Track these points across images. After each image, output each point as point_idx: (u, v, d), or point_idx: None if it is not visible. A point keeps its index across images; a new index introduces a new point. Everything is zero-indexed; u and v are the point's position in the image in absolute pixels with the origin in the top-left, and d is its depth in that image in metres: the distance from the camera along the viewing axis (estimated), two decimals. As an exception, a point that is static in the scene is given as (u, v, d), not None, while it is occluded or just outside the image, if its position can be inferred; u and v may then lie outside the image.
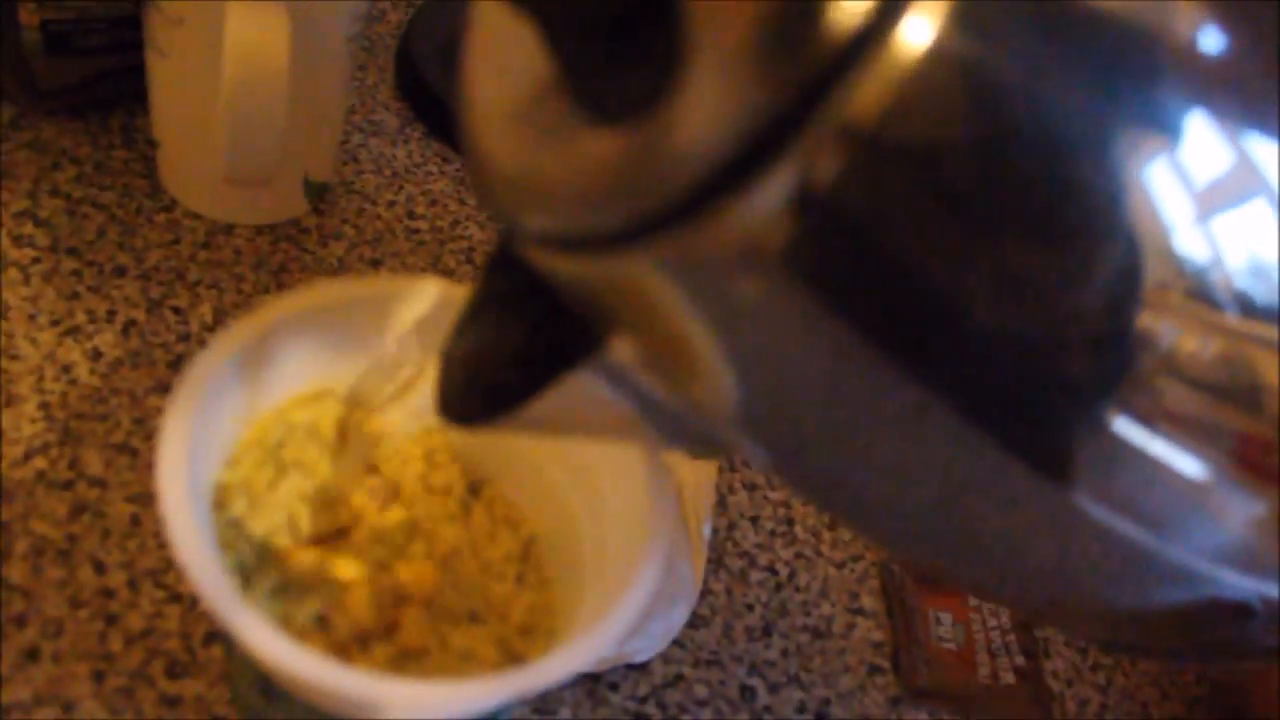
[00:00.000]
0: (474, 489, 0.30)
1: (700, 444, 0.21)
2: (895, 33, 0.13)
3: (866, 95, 0.13)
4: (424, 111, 0.51)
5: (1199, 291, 0.13)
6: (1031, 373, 0.14)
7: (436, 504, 0.29)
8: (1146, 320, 0.13)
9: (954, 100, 0.13)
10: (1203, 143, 0.13)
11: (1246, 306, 0.13)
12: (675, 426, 0.20)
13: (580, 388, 0.19)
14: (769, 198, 0.14)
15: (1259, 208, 0.13)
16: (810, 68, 0.13)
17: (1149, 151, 0.13)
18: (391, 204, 0.48)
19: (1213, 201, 0.13)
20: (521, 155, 0.18)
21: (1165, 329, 0.13)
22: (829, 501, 0.19)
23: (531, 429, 0.21)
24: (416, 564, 0.28)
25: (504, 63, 0.19)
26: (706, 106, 0.14)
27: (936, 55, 0.13)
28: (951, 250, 0.13)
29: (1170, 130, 0.13)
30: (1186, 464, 0.14)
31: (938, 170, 0.13)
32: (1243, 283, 0.13)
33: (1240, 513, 0.15)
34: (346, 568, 0.27)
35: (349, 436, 0.29)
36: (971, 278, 0.13)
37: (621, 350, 0.18)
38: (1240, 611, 0.17)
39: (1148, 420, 0.14)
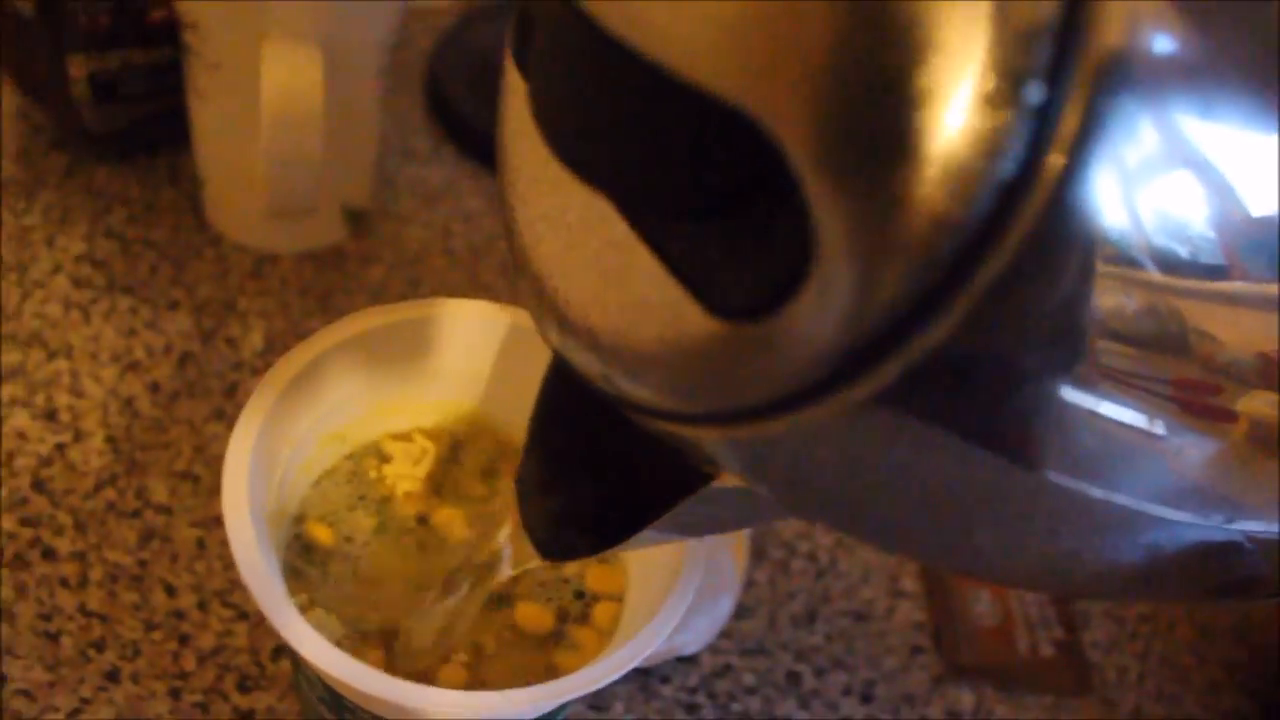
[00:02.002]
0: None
1: (754, 522, 0.22)
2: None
3: (999, 263, 0.13)
4: (455, 133, 0.53)
5: (1120, 256, 0.14)
6: (1018, 387, 0.15)
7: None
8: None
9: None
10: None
11: (1167, 264, 0.14)
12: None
13: (677, 513, 0.19)
14: (892, 371, 0.14)
15: (1182, 176, 0.14)
16: (950, 252, 0.13)
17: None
18: (428, 224, 0.49)
19: (1152, 182, 0.14)
20: (620, 330, 0.17)
21: (1093, 294, 0.14)
22: (849, 530, 0.20)
23: (626, 549, 0.21)
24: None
25: (568, 217, 0.18)
26: (842, 304, 0.14)
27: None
28: (1024, 336, 0.14)
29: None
30: (1137, 418, 0.15)
31: (1029, 292, 0.14)
32: (1161, 243, 0.14)
33: (1197, 457, 0.16)
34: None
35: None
36: (1023, 349, 0.14)
37: (726, 482, 0.18)
38: (1231, 549, 0.18)
39: (1093, 384, 0.15)
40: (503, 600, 0.29)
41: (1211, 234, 0.14)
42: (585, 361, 0.18)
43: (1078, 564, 0.18)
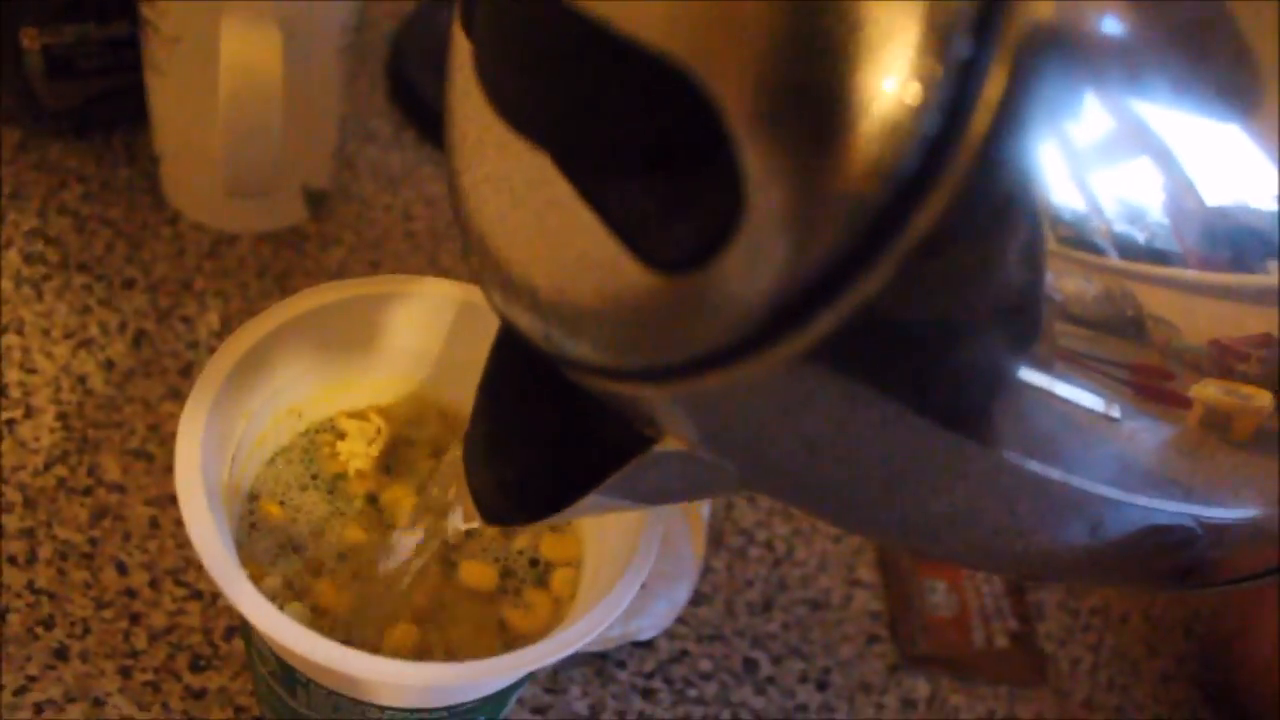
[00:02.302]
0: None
1: (702, 494, 0.22)
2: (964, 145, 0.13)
3: (928, 218, 0.13)
4: (416, 116, 0.53)
5: (1077, 240, 0.14)
6: (959, 355, 0.15)
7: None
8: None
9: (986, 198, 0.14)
10: (1091, 110, 0.14)
11: (1125, 249, 0.14)
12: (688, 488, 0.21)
13: (621, 479, 0.19)
14: (826, 324, 0.14)
15: (1141, 164, 0.14)
16: (874, 210, 0.13)
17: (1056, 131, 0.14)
18: (388, 208, 0.49)
19: (1093, 159, 0.14)
20: (561, 287, 0.17)
21: (1050, 277, 0.14)
22: (805, 505, 0.20)
23: (569, 518, 0.21)
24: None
25: (512, 179, 0.18)
26: (772, 258, 0.14)
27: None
28: (948, 304, 0.14)
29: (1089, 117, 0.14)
30: (1093, 400, 0.15)
31: (956, 255, 0.14)
32: (1121, 229, 0.14)
33: (1151, 441, 0.16)
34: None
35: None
36: (958, 311, 0.14)
37: (669, 445, 0.19)
38: (1183, 535, 0.18)
39: (1050, 365, 0.15)
40: (450, 566, 0.29)
41: (1161, 218, 0.15)
42: (528, 322, 0.18)
43: (1029, 543, 0.19)
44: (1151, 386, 0.16)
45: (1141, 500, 0.17)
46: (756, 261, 0.14)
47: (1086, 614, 0.45)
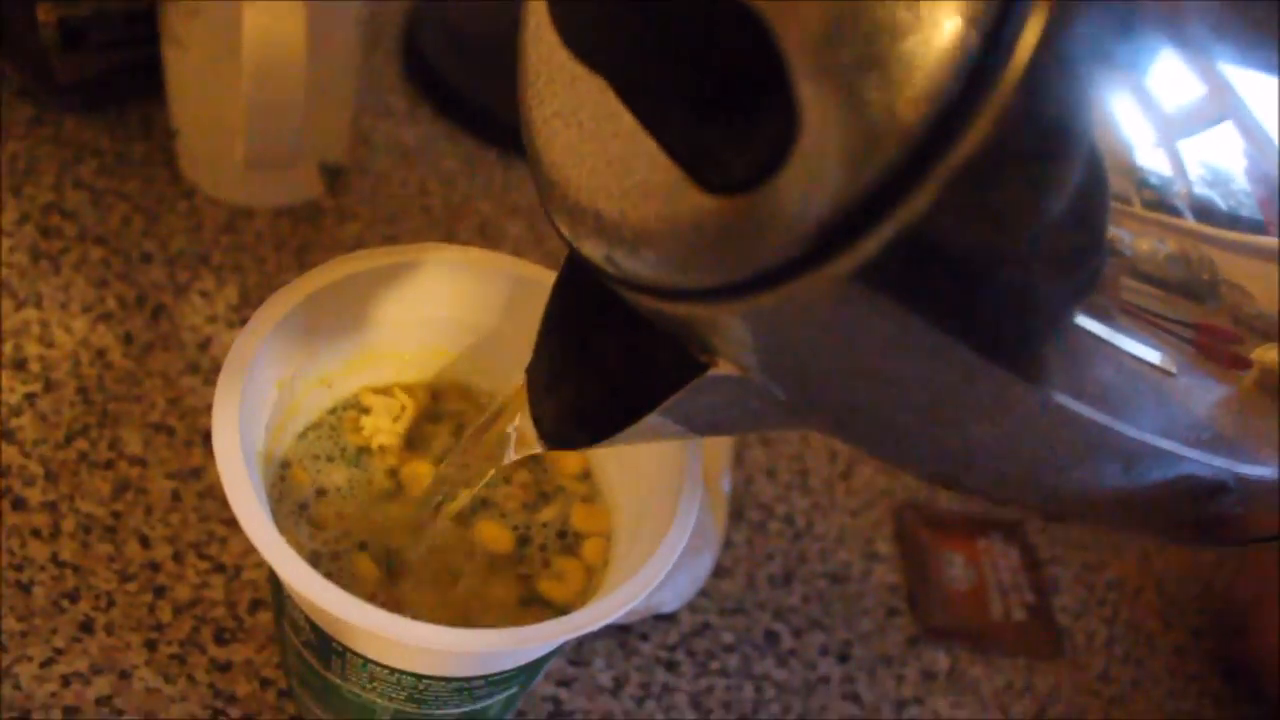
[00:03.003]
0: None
1: (756, 425, 0.23)
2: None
3: (971, 139, 0.14)
4: (431, 92, 0.52)
5: (1159, 202, 0.15)
6: (1010, 290, 0.16)
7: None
8: (1110, 231, 0.15)
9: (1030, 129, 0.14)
10: (1171, 69, 0.15)
11: (1205, 213, 0.15)
12: (741, 418, 0.22)
13: (677, 403, 0.20)
14: (873, 245, 0.15)
15: (1224, 128, 0.15)
16: (920, 134, 0.14)
17: (1116, 78, 0.14)
18: (404, 183, 0.49)
19: (1177, 123, 0.15)
20: (623, 210, 0.18)
21: (1125, 235, 0.15)
22: (847, 432, 0.21)
23: (627, 442, 0.22)
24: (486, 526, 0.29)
25: (580, 114, 0.19)
26: (823, 180, 0.15)
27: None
28: (994, 229, 0.15)
29: (1137, 57, 0.14)
30: (1151, 354, 0.16)
31: (1001, 180, 0.15)
32: (1202, 192, 0.15)
33: (1205, 397, 0.17)
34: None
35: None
36: (1001, 239, 0.15)
37: (723, 369, 0.19)
38: (1215, 488, 0.19)
39: (1112, 317, 0.16)
40: (467, 530, 0.29)
41: (1242, 182, 0.15)
42: (591, 246, 0.19)
43: (1062, 479, 0.19)
44: (1213, 346, 0.16)
45: (1182, 450, 0.18)
46: (807, 184, 0.15)
47: (1102, 588, 0.45)
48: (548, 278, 0.30)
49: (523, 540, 0.30)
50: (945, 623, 0.42)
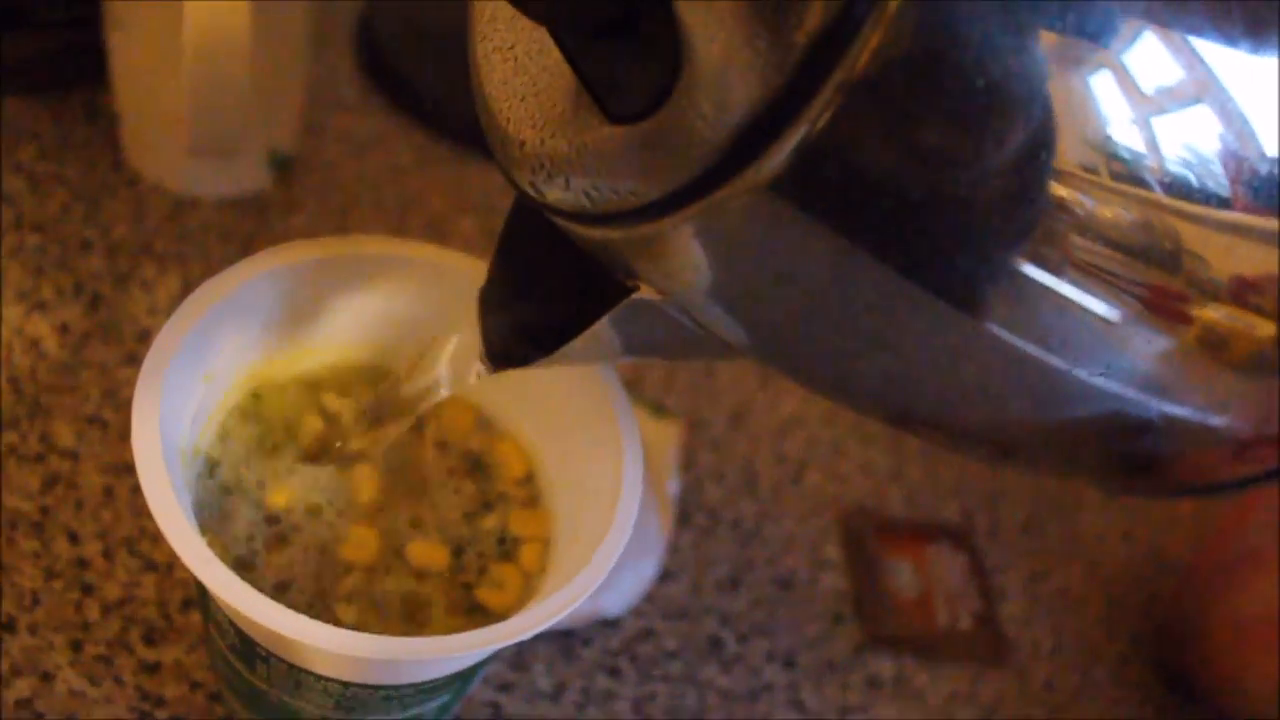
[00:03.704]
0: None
1: (687, 351, 0.25)
2: None
3: (862, 51, 0.14)
4: (386, 84, 0.52)
5: (1127, 175, 0.15)
6: (947, 225, 0.16)
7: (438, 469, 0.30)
8: (1063, 191, 0.16)
9: (918, 32, 0.15)
10: (1149, 47, 0.15)
11: (1177, 189, 0.16)
12: (673, 341, 0.23)
13: (607, 325, 0.21)
14: (778, 156, 0.15)
15: (1201, 109, 0.15)
16: (806, 44, 0.15)
17: (1082, 58, 0.15)
18: (355, 176, 0.48)
19: (1154, 101, 0.15)
20: (543, 139, 0.19)
21: (1086, 200, 0.16)
22: (790, 364, 0.22)
23: (559, 363, 0.24)
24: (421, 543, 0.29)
25: (515, 49, 0.21)
26: (716, 96, 0.16)
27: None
28: (898, 145, 0.15)
29: (1103, 39, 0.15)
30: (1095, 304, 0.17)
31: (897, 93, 0.15)
32: (1177, 170, 0.16)
33: (1145, 347, 0.18)
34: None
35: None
36: (904, 160, 0.16)
37: (646, 294, 0.20)
38: (1142, 425, 0.19)
39: (1058, 268, 0.16)
40: (398, 557, 0.29)
41: (1215, 161, 0.16)
42: (518, 173, 0.20)
43: (1001, 414, 0.20)
44: (1160, 303, 0.17)
45: (1116, 388, 0.18)
46: (696, 108, 0.16)
47: (1048, 596, 0.45)
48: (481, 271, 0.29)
49: (458, 550, 0.29)
50: (892, 630, 0.42)
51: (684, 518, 0.42)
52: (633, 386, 0.45)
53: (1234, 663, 0.42)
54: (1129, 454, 0.21)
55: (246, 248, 0.44)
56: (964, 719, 0.41)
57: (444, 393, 0.27)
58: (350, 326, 0.30)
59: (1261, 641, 0.41)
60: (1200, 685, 0.43)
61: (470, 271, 0.29)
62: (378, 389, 0.30)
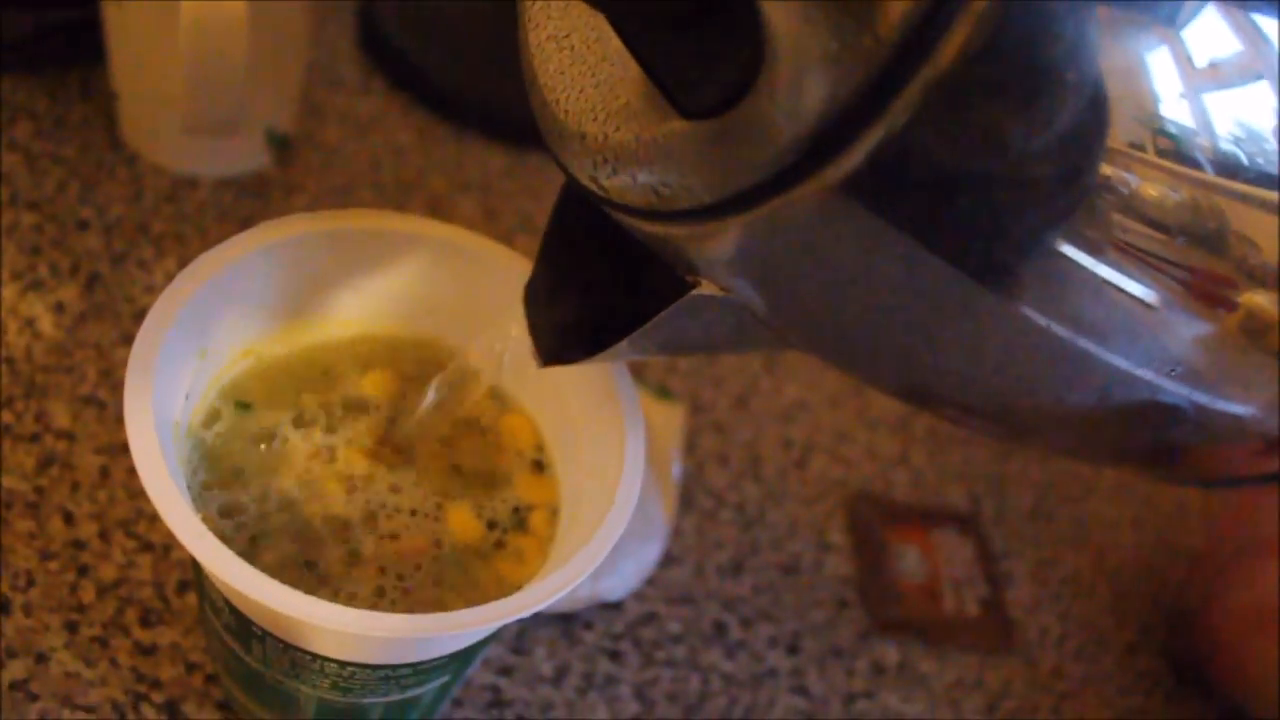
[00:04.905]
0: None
1: (731, 346, 0.24)
2: None
3: (948, 49, 0.14)
4: (387, 64, 0.51)
5: (1174, 152, 0.15)
6: (988, 207, 0.16)
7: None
8: (1109, 170, 0.15)
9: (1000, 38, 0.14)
10: (1202, 22, 0.15)
11: (1228, 167, 0.15)
12: (720, 335, 0.22)
13: (665, 320, 0.21)
14: (856, 156, 0.15)
15: (1259, 86, 0.15)
16: (893, 40, 0.14)
17: (1143, 32, 0.15)
18: (354, 156, 0.47)
19: (1205, 76, 0.15)
20: (607, 133, 0.19)
21: (1130, 178, 0.15)
22: (836, 350, 0.21)
23: (608, 360, 0.23)
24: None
25: (572, 37, 0.20)
26: (797, 92, 0.15)
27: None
28: (977, 145, 0.15)
29: (1171, 18, 0.15)
30: (1136, 288, 0.16)
31: (982, 92, 0.15)
32: (1228, 147, 0.15)
33: (1185, 332, 0.17)
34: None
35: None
36: (985, 159, 0.15)
37: (707, 290, 0.20)
38: (1174, 413, 0.19)
39: (1098, 249, 0.16)
40: (438, 524, 0.28)
41: (1271, 140, 0.15)
42: (578, 166, 0.20)
43: (1033, 398, 0.20)
44: (1204, 288, 0.17)
45: (1150, 375, 0.18)
46: (776, 103, 0.15)
47: (1056, 583, 0.45)
48: (487, 249, 0.29)
49: (491, 525, 0.28)
50: (897, 616, 0.41)
51: (687, 501, 0.42)
52: (636, 370, 0.44)
53: (1243, 651, 0.41)
54: (1155, 442, 0.21)
55: (245, 227, 0.43)
56: (969, 706, 0.40)
57: (490, 382, 0.27)
58: (350, 303, 0.30)
59: (1271, 630, 0.40)
60: (1209, 673, 0.43)
61: (470, 247, 0.29)
62: (437, 379, 0.29)
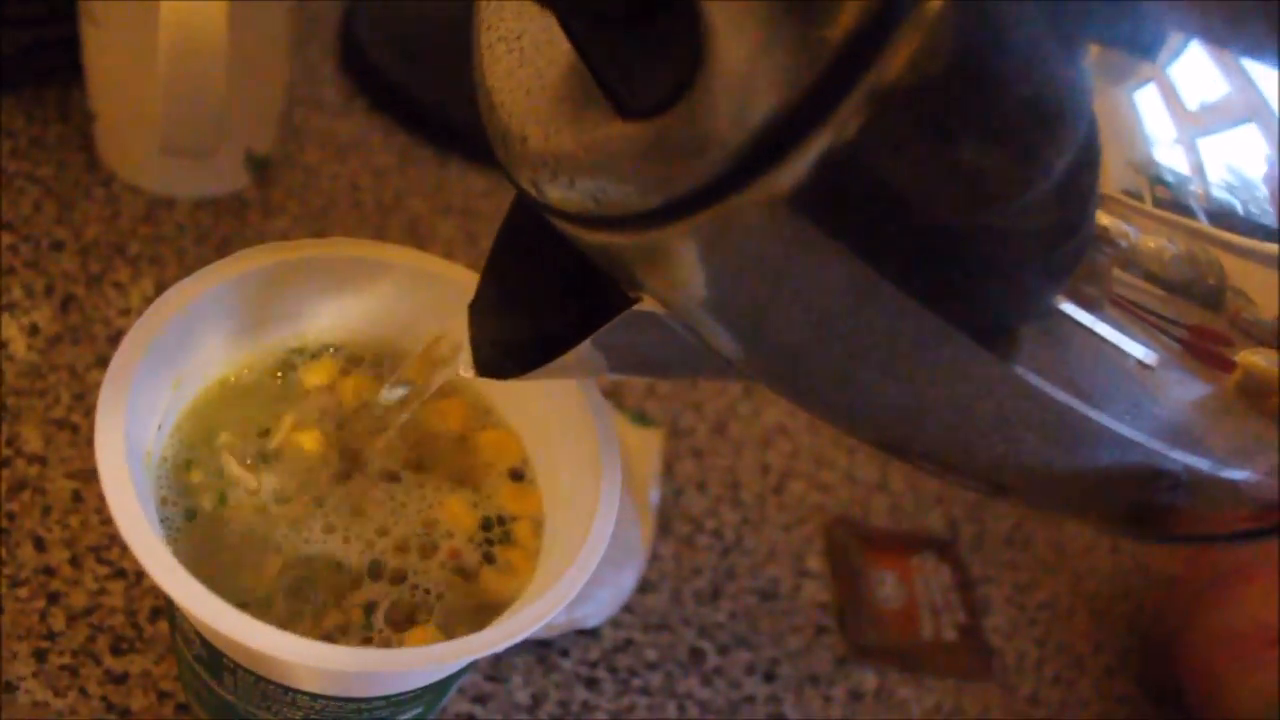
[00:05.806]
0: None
1: (680, 368, 0.24)
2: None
3: (898, 56, 0.13)
4: (368, 86, 0.51)
5: (1172, 201, 0.14)
6: (981, 257, 0.15)
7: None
8: (1107, 221, 0.14)
9: (958, 43, 0.14)
10: (1194, 66, 0.14)
11: (1222, 218, 0.15)
12: (671, 356, 0.22)
13: (604, 337, 0.20)
14: (799, 165, 0.14)
15: (1249, 130, 0.14)
16: (838, 43, 0.13)
17: (1128, 73, 0.14)
18: (334, 177, 0.47)
19: (1198, 121, 0.14)
20: (548, 135, 0.18)
21: (1129, 230, 0.15)
22: (795, 388, 0.20)
23: (549, 377, 0.22)
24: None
25: (522, 40, 0.20)
26: (737, 94, 0.14)
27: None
28: (932, 163, 0.14)
29: (1152, 52, 0.14)
30: (1133, 347, 0.16)
31: (934, 104, 0.14)
32: (1222, 196, 0.15)
33: (1182, 394, 0.17)
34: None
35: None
36: (939, 180, 0.14)
37: (647, 305, 0.19)
38: (1166, 477, 0.18)
39: (1096, 306, 0.15)
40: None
41: (1262, 187, 0.15)
42: (519, 170, 0.19)
43: (1014, 453, 0.19)
44: (1202, 347, 0.16)
45: (1144, 439, 0.17)
46: (715, 105, 0.15)
47: (1034, 608, 0.45)
48: (464, 278, 0.29)
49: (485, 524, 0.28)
50: (875, 642, 0.41)
51: (665, 527, 0.42)
52: (614, 394, 0.44)
53: (1220, 677, 0.41)
54: (1139, 503, 0.20)
55: (223, 249, 0.43)
56: (947, 733, 0.40)
57: (446, 376, 0.27)
58: (325, 331, 0.30)
59: (1248, 655, 0.40)
60: (1186, 698, 0.43)
61: (447, 276, 0.29)
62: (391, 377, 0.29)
